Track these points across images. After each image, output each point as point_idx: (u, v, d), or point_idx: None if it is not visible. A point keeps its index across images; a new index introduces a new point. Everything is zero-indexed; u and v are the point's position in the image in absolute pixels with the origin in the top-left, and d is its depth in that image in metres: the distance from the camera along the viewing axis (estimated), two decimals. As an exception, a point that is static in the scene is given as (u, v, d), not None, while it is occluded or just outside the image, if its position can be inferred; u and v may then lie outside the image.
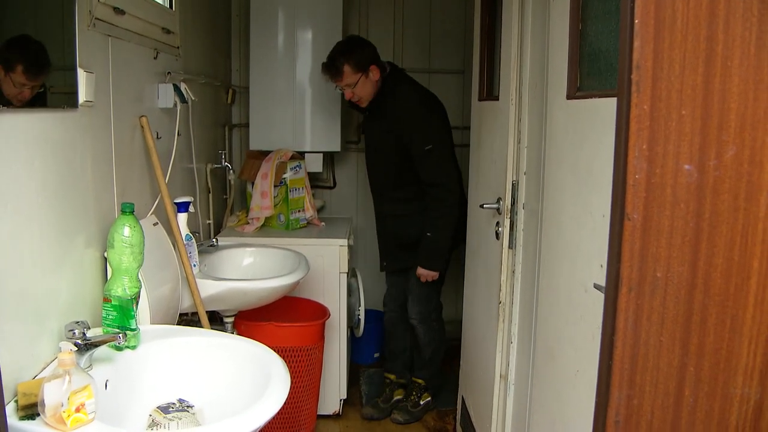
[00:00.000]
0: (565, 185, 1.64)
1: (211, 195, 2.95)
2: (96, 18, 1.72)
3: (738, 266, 0.72)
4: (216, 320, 2.58)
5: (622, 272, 0.85)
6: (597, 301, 1.45)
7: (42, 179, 1.46)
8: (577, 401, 1.58)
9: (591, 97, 1.49)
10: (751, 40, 0.70)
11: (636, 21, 0.80)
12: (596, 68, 1.55)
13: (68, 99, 1.59)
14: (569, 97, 1.59)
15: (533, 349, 1.93)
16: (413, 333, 3.10)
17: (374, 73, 2.78)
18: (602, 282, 1.39)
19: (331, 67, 2.77)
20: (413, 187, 2.83)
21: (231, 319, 2.54)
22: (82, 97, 1.63)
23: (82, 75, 1.63)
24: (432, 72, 3.65)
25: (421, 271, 2.83)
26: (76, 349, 1.40)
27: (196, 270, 2.28)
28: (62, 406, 1.29)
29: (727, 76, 0.72)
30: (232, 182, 3.20)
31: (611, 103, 1.41)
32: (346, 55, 2.75)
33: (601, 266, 1.43)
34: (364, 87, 2.78)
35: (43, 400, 1.30)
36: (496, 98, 2.26)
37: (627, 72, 0.83)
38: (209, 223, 2.93)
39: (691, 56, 0.75)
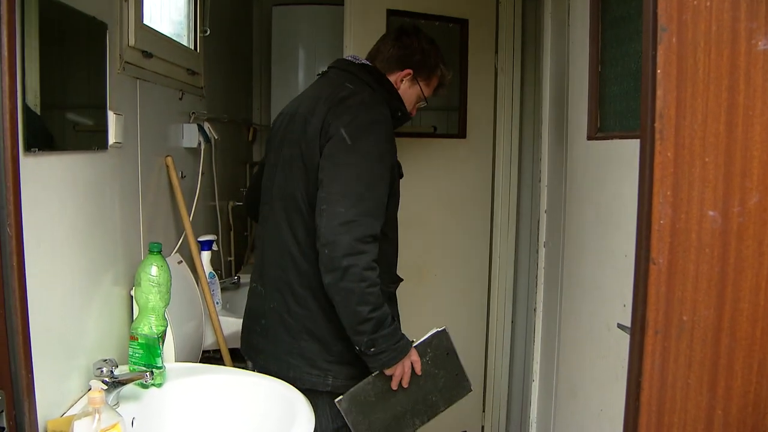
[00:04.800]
0: (586, 224, 1.67)
1: (232, 232, 2.99)
2: (126, 62, 1.78)
3: (764, 310, 0.74)
4: (237, 357, 2.60)
5: (648, 315, 0.87)
6: (620, 339, 1.46)
7: (73, 219, 1.50)
8: (602, 441, 1.59)
9: (611, 138, 1.52)
10: (771, 89, 0.73)
11: (658, 71, 0.83)
12: (616, 110, 1.58)
13: (99, 140, 1.65)
14: (590, 137, 1.63)
15: (555, 387, 1.94)
16: None
17: None
18: (625, 321, 1.41)
19: None
20: None
21: (252, 356, 2.55)
22: (111, 138, 1.68)
23: (111, 117, 1.68)
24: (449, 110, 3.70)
25: None
26: (106, 387, 1.42)
27: (218, 307, 2.32)
28: (92, 444, 1.31)
29: (749, 125, 0.75)
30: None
31: (632, 144, 1.45)
32: None
33: (624, 306, 1.45)
34: None
35: (73, 439, 1.32)
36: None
37: (650, 120, 0.86)
38: (230, 260, 2.97)
39: (714, 105, 0.78)
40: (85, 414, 1.34)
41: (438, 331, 1.89)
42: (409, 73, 1.98)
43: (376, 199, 1.73)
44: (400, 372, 1.80)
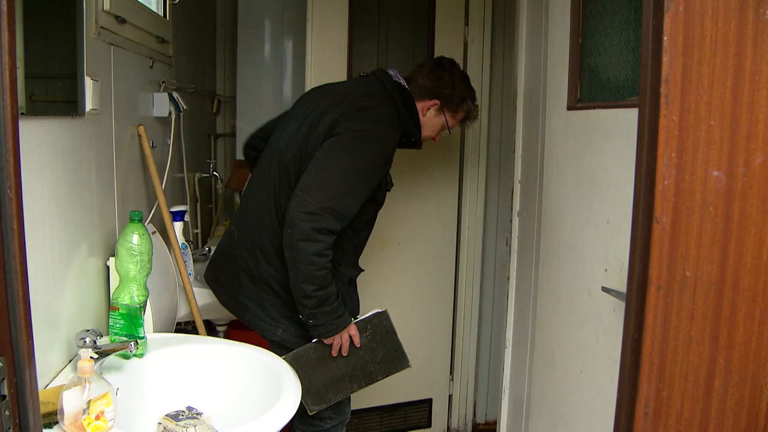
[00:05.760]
0: (566, 192, 1.72)
1: (198, 204, 2.96)
2: (101, 27, 1.74)
3: (766, 264, 0.79)
4: (211, 329, 2.60)
5: (651, 272, 0.91)
6: (601, 304, 1.52)
7: (53, 186, 1.47)
8: (581, 401, 1.65)
9: (592, 108, 1.57)
10: (778, 56, 0.77)
11: (665, 38, 0.86)
12: (596, 81, 1.62)
13: (76, 107, 1.61)
14: (570, 108, 1.67)
15: (530, 353, 2.00)
16: None
17: None
18: (608, 285, 1.46)
19: None
20: None
21: (224, 328, 2.56)
22: (89, 105, 1.65)
23: (89, 83, 1.65)
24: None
25: None
26: (97, 356, 1.41)
27: (191, 278, 2.30)
28: (83, 413, 1.30)
29: (755, 90, 0.79)
30: (220, 191, 3.22)
31: (614, 113, 1.50)
32: None
33: (606, 270, 1.50)
34: None
35: (62, 408, 1.31)
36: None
37: (653, 85, 0.89)
38: (197, 233, 2.94)
39: (720, 71, 0.82)
40: (74, 384, 1.33)
41: (378, 312, 2.10)
42: (437, 104, 2.13)
43: (345, 206, 1.90)
44: (338, 342, 2.01)
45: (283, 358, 1.89)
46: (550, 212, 1.82)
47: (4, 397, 0.98)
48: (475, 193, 3.00)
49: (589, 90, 1.65)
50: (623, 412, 1.02)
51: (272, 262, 2.04)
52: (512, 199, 2.11)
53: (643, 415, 0.97)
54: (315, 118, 2.03)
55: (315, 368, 2.03)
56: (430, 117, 2.15)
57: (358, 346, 2.05)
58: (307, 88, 2.61)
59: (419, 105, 2.13)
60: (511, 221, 2.13)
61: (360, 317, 2.10)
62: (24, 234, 1.02)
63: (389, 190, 2.13)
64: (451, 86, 2.11)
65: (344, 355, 2.04)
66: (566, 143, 1.71)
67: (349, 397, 2.25)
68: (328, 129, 1.98)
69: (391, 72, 2.17)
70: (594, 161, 1.55)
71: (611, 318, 1.48)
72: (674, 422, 0.93)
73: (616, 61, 1.54)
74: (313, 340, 2.03)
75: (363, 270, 2.25)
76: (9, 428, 0.98)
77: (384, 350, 2.13)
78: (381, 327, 2.11)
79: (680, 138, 0.87)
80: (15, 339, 1.02)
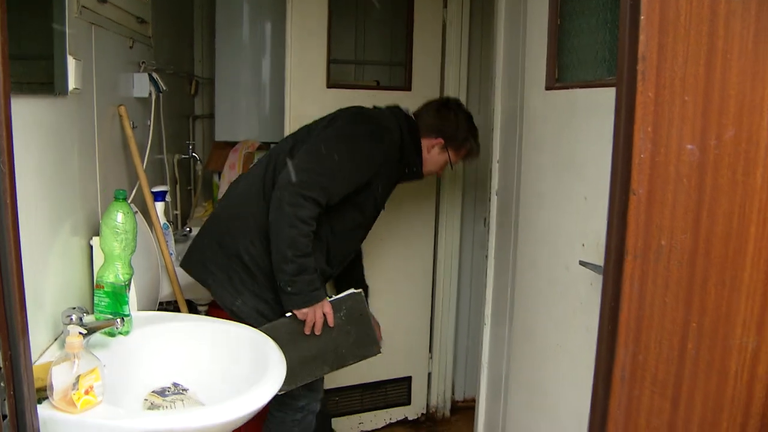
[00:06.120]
0: (544, 171, 1.76)
1: (178, 186, 2.97)
2: (82, 6, 1.74)
3: (737, 233, 0.83)
4: (193, 309, 2.62)
5: (628, 242, 0.95)
6: (578, 278, 1.57)
7: (38, 165, 1.48)
8: (558, 374, 1.70)
9: (571, 88, 1.61)
10: (749, 36, 0.81)
11: (642, 18, 0.90)
12: (575, 61, 1.66)
13: (59, 86, 1.61)
14: (548, 88, 1.71)
15: (509, 329, 2.05)
16: None
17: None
18: (587, 260, 1.51)
19: None
20: None
21: (205, 308, 2.58)
22: (71, 84, 1.65)
23: (71, 62, 1.65)
24: (393, 65, 3.73)
25: None
26: (85, 332, 1.43)
27: (173, 258, 2.32)
28: (72, 388, 1.32)
29: (727, 68, 0.83)
30: (199, 173, 3.22)
31: (592, 93, 1.54)
32: None
33: (583, 245, 1.55)
34: None
35: (52, 384, 1.32)
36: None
37: (630, 62, 0.93)
38: (176, 214, 2.95)
39: (694, 49, 0.86)
40: (62, 360, 1.35)
41: (353, 293, 2.17)
42: (441, 142, 2.25)
43: (332, 183, 2.03)
44: (312, 318, 2.06)
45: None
46: (529, 191, 1.86)
47: (-1, 368, 1.00)
48: (454, 174, 3.04)
49: (568, 70, 1.69)
50: (601, 377, 1.06)
51: (251, 238, 2.13)
52: (490, 178, 2.15)
53: (620, 379, 1.02)
54: (321, 121, 2.24)
55: (287, 346, 1.99)
56: (434, 154, 2.27)
57: (332, 325, 2.10)
58: (287, 70, 2.63)
59: (425, 142, 2.26)
60: (489, 200, 2.18)
61: (335, 297, 2.15)
62: (17, 208, 1.04)
63: (377, 211, 2.28)
64: (456, 126, 2.24)
65: (317, 334, 2.09)
66: (545, 123, 1.75)
67: (321, 386, 2.32)
68: (328, 122, 2.18)
69: (402, 107, 2.31)
70: (572, 140, 1.59)
71: (588, 291, 1.53)
72: (649, 384, 0.98)
73: (594, 41, 1.58)
74: (287, 314, 2.08)
75: (333, 274, 2.33)
76: (4, 399, 1.00)
77: (357, 333, 2.17)
78: (355, 309, 2.16)
79: (656, 113, 0.91)
80: (9, 313, 1.04)
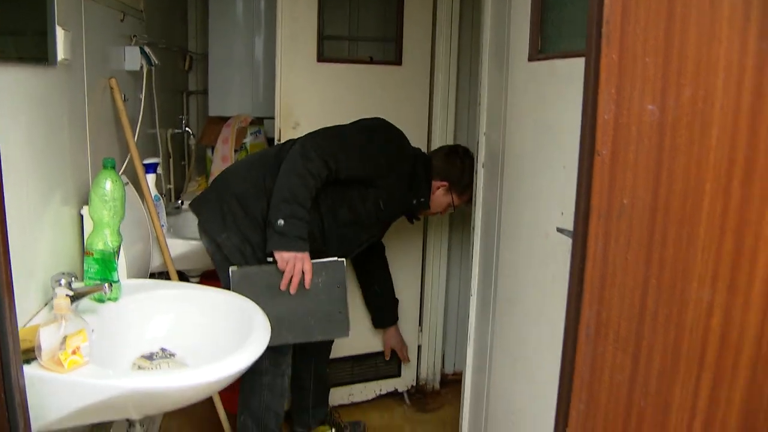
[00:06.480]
0: (526, 141, 1.78)
1: (171, 160, 2.99)
2: (70, -24, 1.76)
3: (693, 190, 0.86)
4: (183, 280, 2.65)
5: (593, 202, 0.98)
6: (557, 245, 1.60)
7: (27, 133, 1.50)
8: (539, 338, 1.74)
9: (551, 59, 1.63)
10: (705, 1, 0.84)
11: (606, -19, 0.92)
12: (557, 33, 1.68)
13: (48, 56, 1.63)
14: (531, 59, 1.73)
15: (494, 299, 2.08)
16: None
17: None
18: (565, 226, 1.54)
19: None
20: None
21: (196, 279, 2.61)
22: (60, 54, 1.67)
23: (60, 32, 1.67)
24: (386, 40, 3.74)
25: None
26: (72, 293, 1.46)
27: (164, 230, 2.35)
28: (59, 349, 1.36)
29: (684, 31, 0.85)
30: (193, 147, 3.25)
31: (570, 62, 1.56)
32: None
33: (562, 213, 1.58)
34: None
35: (40, 345, 1.36)
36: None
37: (597, 26, 0.96)
38: (170, 188, 2.98)
39: (654, 13, 0.88)
40: (50, 321, 1.38)
41: (336, 260, 2.22)
42: (446, 185, 2.45)
43: (342, 156, 2.19)
44: (290, 270, 2.13)
45: (232, 272, 2.09)
46: (512, 161, 1.89)
47: (-15, 324, 1.03)
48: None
49: (551, 42, 1.71)
50: (570, 337, 1.10)
51: (252, 187, 2.28)
52: (477, 150, 2.18)
53: (585, 336, 1.05)
54: None
55: (258, 297, 2.03)
56: (439, 195, 2.47)
57: (308, 287, 2.16)
58: (278, 43, 2.64)
59: (434, 182, 2.46)
60: (476, 173, 2.20)
61: (318, 260, 2.18)
62: (0, 167, 1.07)
63: (377, 219, 2.40)
64: (461, 172, 2.42)
65: (292, 293, 2.14)
66: (526, 94, 1.77)
67: (289, 351, 2.36)
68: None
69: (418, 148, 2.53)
70: (551, 109, 1.61)
71: (565, 258, 1.55)
72: (612, 341, 1.01)
73: (576, 14, 1.60)
74: (265, 264, 2.13)
75: (324, 252, 2.34)
76: (-10, 352, 1.03)
77: (329, 306, 2.20)
78: (334, 278, 2.20)
79: (619, 75, 0.93)
80: (-7, 269, 1.07)
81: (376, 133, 2.36)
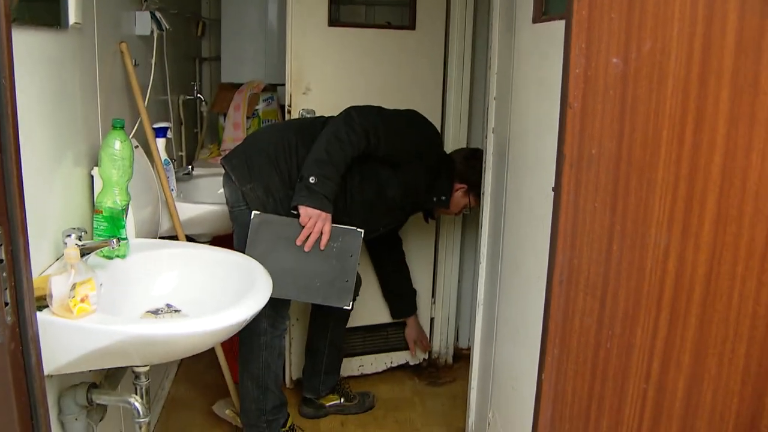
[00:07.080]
0: (530, 103, 1.89)
1: (183, 127, 3.14)
2: (80, -61, 1.89)
3: (652, 138, 0.96)
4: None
5: (565, 151, 1.10)
6: (555, 207, 1.71)
7: (40, 94, 1.64)
8: (537, 304, 1.85)
9: (553, 20, 1.73)
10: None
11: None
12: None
13: (60, 19, 1.77)
14: (535, 21, 1.83)
15: (501, 267, 2.20)
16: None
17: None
18: (559, 186, 1.65)
19: None
20: None
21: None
22: (72, 18, 1.80)
23: (71, -4, 1.80)
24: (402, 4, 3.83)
25: None
26: (82, 244, 1.61)
27: (174, 194, 2.49)
28: (69, 296, 1.51)
29: (645, -14, 0.96)
30: (205, 114, 3.39)
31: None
32: None
33: (559, 174, 1.69)
34: None
35: (51, 293, 1.51)
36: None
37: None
38: (182, 155, 3.13)
39: (620, -30, 0.99)
40: (61, 271, 1.54)
41: (355, 230, 2.37)
42: (464, 188, 2.68)
43: (380, 129, 2.39)
44: (311, 225, 2.30)
45: (255, 213, 2.29)
46: (517, 125, 2.00)
47: (2, 261, 1.18)
48: (458, 113, 3.15)
49: (553, 3, 1.81)
50: (548, 286, 1.22)
51: (285, 149, 2.46)
52: (486, 115, 2.28)
53: (559, 282, 1.17)
54: None
55: (273, 245, 2.25)
56: (457, 197, 2.69)
57: (323, 248, 2.32)
58: (288, 7, 2.76)
59: (454, 183, 2.67)
60: (485, 138, 2.31)
61: (338, 225, 2.34)
62: (17, 117, 1.21)
63: (396, 205, 2.61)
64: (480, 175, 2.51)
65: (306, 250, 2.31)
66: (530, 56, 1.88)
67: (288, 314, 2.56)
68: None
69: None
70: (552, 71, 1.71)
71: (561, 218, 1.67)
72: (582, 287, 1.13)
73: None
74: (288, 217, 2.30)
75: (345, 222, 2.47)
76: (6, 288, 1.18)
77: (338, 273, 2.35)
78: (350, 246, 2.35)
79: (588, 30, 1.04)
80: (11, 210, 1.21)
81: (415, 121, 2.59)
